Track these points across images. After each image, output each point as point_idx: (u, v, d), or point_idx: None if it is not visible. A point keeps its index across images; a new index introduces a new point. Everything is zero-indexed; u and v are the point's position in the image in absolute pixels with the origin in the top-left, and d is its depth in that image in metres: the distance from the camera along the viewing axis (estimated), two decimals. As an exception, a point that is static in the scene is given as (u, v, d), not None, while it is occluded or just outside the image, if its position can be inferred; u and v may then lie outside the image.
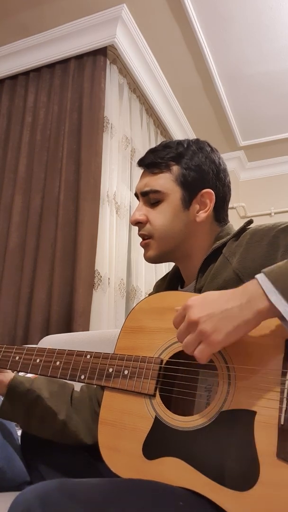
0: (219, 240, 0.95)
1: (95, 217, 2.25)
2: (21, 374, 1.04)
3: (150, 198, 0.97)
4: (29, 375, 1.17)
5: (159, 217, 0.96)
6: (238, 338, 0.68)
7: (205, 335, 0.67)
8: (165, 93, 2.95)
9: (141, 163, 1.01)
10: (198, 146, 1.00)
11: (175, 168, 0.96)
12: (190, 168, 0.96)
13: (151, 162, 0.98)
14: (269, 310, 0.65)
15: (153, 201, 0.97)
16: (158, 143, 1.04)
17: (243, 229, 0.93)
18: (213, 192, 0.97)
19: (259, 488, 0.62)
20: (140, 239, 1.01)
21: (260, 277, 0.67)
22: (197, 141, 1.01)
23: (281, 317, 0.64)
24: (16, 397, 0.96)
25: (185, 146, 0.99)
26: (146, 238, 0.98)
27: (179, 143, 1.00)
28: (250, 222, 0.96)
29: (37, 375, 0.95)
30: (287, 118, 3.19)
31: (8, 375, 0.98)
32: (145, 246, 0.99)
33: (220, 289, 0.82)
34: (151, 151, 1.01)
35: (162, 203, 0.96)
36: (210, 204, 0.97)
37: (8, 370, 0.98)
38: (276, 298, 0.64)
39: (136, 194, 1.02)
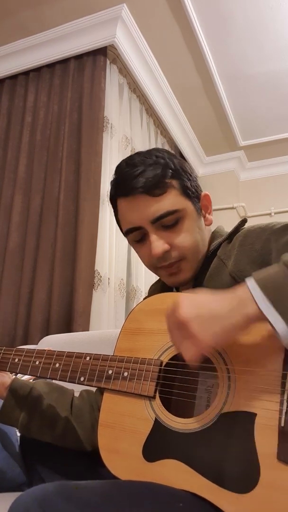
0: (213, 242, 0.94)
1: (95, 217, 2.25)
2: (19, 376, 1.04)
3: (164, 222, 0.88)
4: (26, 377, 1.17)
5: (187, 236, 0.89)
6: (226, 340, 0.67)
7: (192, 334, 0.66)
8: (165, 93, 2.94)
9: (135, 189, 0.87)
10: (165, 152, 0.94)
11: (174, 182, 0.90)
12: (184, 177, 0.92)
13: (150, 185, 0.87)
14: (258, 316, 0.64)
15: (170, 224, 0.88)
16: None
17: (236, 229, 0.92)
18: (208, 193, 0.97)
19: (260, 490, 0.62)
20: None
21: (250, 282, 0.66)
22: (156, 149, 0.94)
23: (270, 324, 0.64)
24: (17, 400, 0.95)
25: (162, 156, 0.91)
26: (174, 262, 0.90)
27: (156, 156, 0.91)
28: (244, 221, 0.95)
29: (34, 378, 0.94)
30: (287, 118, 3.19)
31: (7, 377, 0.97)
32: (176, 271, 0.91)
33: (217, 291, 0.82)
34: (138, 174, 0.88)
35: (181, 221, 0.89)
36: (210, 204, 0.97)
37: (7, 373, 0.97)
38: (265, 306, 0.63)
39: (130, 230, 0.91)
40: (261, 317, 0.64)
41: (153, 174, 0.88)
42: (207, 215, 0.97)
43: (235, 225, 0.93)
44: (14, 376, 0.98)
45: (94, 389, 1.03)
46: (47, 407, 0.95)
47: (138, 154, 0.94)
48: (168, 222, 0.88)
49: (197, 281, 0.92)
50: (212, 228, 1.00)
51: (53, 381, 0.98)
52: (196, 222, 0.92)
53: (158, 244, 0.88)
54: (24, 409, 0.94)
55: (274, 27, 2.45)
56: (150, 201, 0.87)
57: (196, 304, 0.68)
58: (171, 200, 0.88)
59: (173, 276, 0.92)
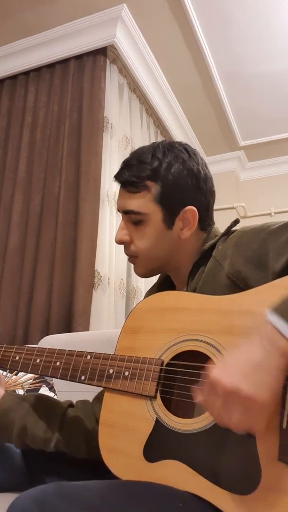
0: (207, 243, 0.93)
1: (95, 217, 2.25)
2: (20, 374, 1.04)
3: (131, 217, 0.94)
4: (27, 376, 1.16)
5: (142, 239, 0.94)
6: (280, 387, 0.60)
7: (249, 398, 0.58)
8: (165, 93, 2.94)
9: (117, 179, 0.97)
10: (174, 156, 0.93)
11: (153, 187, 0.92)
12: (168, 185, 0.91)
13: (127, 181, 0.94)
14: None
15: (135, 221, 0.94)
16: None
17: (229, 229, 0.92)
18: (195, 209, 0.93)
19: (261, 492, 0.62)
20: None
21: (272, 317, 0.62)
22: (172, 148, 0.95)
23: None
24: (3, 429, 0.93)
25: (160, 158, 0.93)
26: (132, 257, 0.98)
27: (153, 155, 0.93)
28: (237, 221, 0.95)
29: (35, 377, 0.93)
30: (287, 118, 3.19)
31: None
32: (132, 263, 0.99)
33: (214, 293, 0.81)
34: (126, 166, 0.95)
35: (144, 224, 0.93)
36: (194, 221, 0.94)
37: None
38: None
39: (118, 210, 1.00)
40: None
41: (135, 172, 0.93)
42: (185, 229, 0.94)
43: (227, 226, 0.92)
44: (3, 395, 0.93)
45: (90, 398, 1.01)
46: (35, 432, 0.91)
47: (145, 147, 0.98)
48: (134, 219, 0.94)
49: (191, 282, 0.91)
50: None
51: (52, 379, 0.97)
52: (158, 231, 0.93)
53: (120, 232, 0.96)
54: (11, 437, 0.93)
55: (274, 27, 2.45)
56: (125, 194, 0.96)
57: (230, 367, 0.61)
58: (140, 202, 0.93)
59: (133, 266, 0.99)
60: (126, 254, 0.98)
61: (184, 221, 0.94)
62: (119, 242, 0.97)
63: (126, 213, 0.95)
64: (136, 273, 1.00)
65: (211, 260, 0.88)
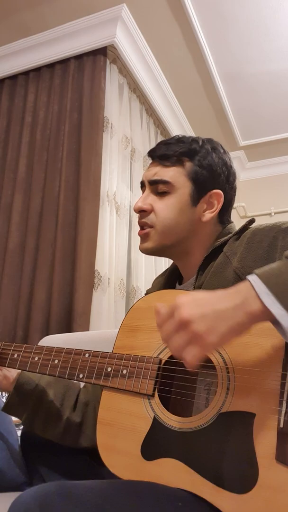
0: (220, 238, 0.94)
1: (95, 217, 2.25)
2: None
3: (158, 188, 0.95)
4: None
5: (166, 209, 0.94)
6: (230, 341, 0.64)
7: (198, 335, 0.62)
8: (165, 93, 2.94)
9: (152, 153, 0.99)
10: (212, 146, 0.99)
11: (188, 164, 0.96)
12: (203, 166, 0.96)
13: (163, 154, 0.96)
14: (263, 313, 0.61)
15: (161, 191, 0.95)
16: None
17: (244, 228, 0.92)
18: (222, 193, 0.97)
19: (258, 491, 0.62)
20: (139, 229, 0.99)
21: (252, 278, 0.64)
22: (211, 141, 1.01)
23: (274, 321, 0.61)
24: (24, 394, 0.95)
25: (200, 143, 0.98)
26: (146, 228, 0.96)
27: (194, 139, 0.99)
28: (252, 221, 0.95)
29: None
30: (287, 118, 3.18)
31: (14, 370, 0.97)
32: (144, 236, 0.97)
33: (220, 287, 0.82)
34: (164, 143, 0.99)
35: (170, 195, 0.95)
36: (218, 205, 0.97)
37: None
38: (269, 300, 0.61)
39: (142, 183, 1.00)
40: (265, 314, 0.61)
41: (174, 148, 0.96)
42: (207, 212, 0.96)
43: (243, 224, 0.93)
44: (20, 371, 0.98)
45: None
46: (52, 402, 0.95)
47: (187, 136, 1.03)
48: (160, 190, 0.95)
49: (200, 276, 0.92)
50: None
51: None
52: (183, 205, 0.95)
53: (142, 200, 0.97)
54: (28, 404, 0.95)
55: (274, 27, 2.45)
56: (156, 167, 0.97)
57: (198, 303, 0.64)
58: (172, 173, 0.95)
59: (142, 241, 0.98)
60: (141, 224, 0.97)
61: (208, 204, 0.97)
62: (138, 209, 0.96)
63: (153, 183, 0.96)
64: (143, 248, 0.97)
65: (221, 255, 0.90)
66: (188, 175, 0.95)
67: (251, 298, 0.62)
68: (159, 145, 0.99)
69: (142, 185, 1.00)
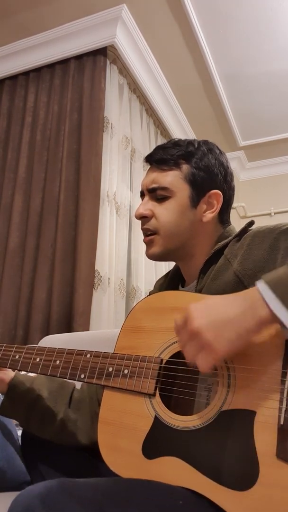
0: (221, 241, 0.95)
1: (95, 217, 2.25)
2: (22, 373, 1.04)
3: (157, 194, 0.96)
4: (31, 374, 1.17)
5: (166, 213, 0.95)
6: (241, 347, 0.67)
7: (207, 344, 0.65)
8: (165, 93, 2.95)
9: (150, 159, 1.00)
10: (208, 147, 1.00)
11: (185, 167, 0.96)
12: (200, 168, 0.96)
13: (160, 159, 0.97)
14: (270, 318, 0.64)
15: (160, 197, 0.96)
16: (158, 143, 1.05)
17: (244, 230, 0.93)
18: (221, 193, 0.98)
19: (259, 488, 0.62)
20: (142, 236, 0.99)
21: (260, 284, 0.66)
22: (206, 142, 1.02)
23: (282, 325, 0.64)
24: (16, 396, 0.96)
25: (195, 146, 0.99)
26: (150, 234, 0.97)
27: (190, 142, 1.00)
28: (252, 223, 0.96)
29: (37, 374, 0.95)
30: (287, 118, 3.19)
31: (9, 373, 0.98)
32: (149, 242, 0.98)
33: (220, 290, 0.82)
34: (160, 148, 1.00)
35: (170, 199, 0.96)
36: (218, 205, 0.97)
37: (9, 369, 0.98)
38: (276, 305, 0.63)
39: (141, 193, 1.01)
40: (273, 319, 0.64)
41: (170, 151, 0.97)
42: (207, 212, 0.97)
43: (242, 226, 0.94)
44: (16, 372, 0.99)
45: None
46: (46, 401, 0.96)
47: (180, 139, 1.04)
48: (159, 196, 0.96)
49: (201, 279, 0.92)
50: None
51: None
52: (183, 208, 0.95)
53: (142, 206, 0.98)
54: (23, 404, 0.96)
55: (274, 27, 2.46)
56: (154, 172, 0.98)
57: (207, 312, 0.67)
58: (169, 178, 0.96)
59: (147, 247, 0.99)
60: (144, 230, 0.98)
61: (208, 205, 0.97)
62: (139, 216, 0.97)
63: (152, 190, 0.97)
64: (150, 254, 0.98)
65: (222, 258, 0.91)
66: (185, 177, 0.96)
67: (258, 303, 0.65)
68: (156, 150, 1.00)
69: (142, 194, 1.01)
